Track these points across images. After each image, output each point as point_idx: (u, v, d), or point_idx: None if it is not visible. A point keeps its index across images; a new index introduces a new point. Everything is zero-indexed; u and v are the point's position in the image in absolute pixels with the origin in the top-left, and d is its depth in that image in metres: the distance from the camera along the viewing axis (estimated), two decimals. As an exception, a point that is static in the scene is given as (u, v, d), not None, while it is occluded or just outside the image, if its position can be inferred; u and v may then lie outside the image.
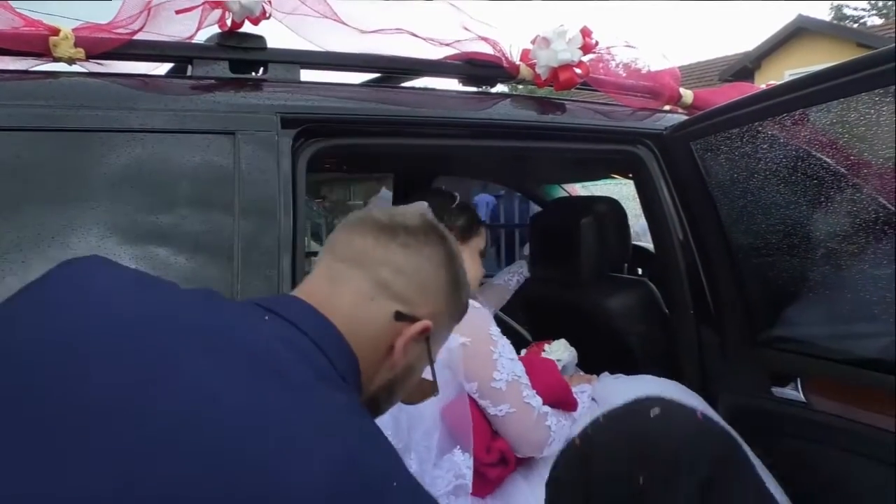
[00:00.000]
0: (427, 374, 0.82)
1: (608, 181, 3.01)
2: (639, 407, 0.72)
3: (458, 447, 1.28)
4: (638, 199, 1.74)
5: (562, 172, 2.63)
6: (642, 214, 1.72)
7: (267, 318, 0.68)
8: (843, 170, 1.19)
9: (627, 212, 2.04)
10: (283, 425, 0.54)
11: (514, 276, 2.11)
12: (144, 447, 0.52)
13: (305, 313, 0.70)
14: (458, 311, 0.83)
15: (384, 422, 1.08)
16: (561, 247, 1.95)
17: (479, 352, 1.33)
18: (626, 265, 2.32)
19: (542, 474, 1.33)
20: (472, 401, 1.35)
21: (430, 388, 0.83)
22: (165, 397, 0.55)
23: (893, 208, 1.11)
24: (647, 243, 2.24)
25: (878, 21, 18.46)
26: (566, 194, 2.82)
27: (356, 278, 0.74)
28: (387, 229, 0.76)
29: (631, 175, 1.82)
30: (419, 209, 0.82)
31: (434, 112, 1.40)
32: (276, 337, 0.65)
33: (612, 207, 2.01)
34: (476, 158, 1.70)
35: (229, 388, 0.56)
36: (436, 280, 0.77)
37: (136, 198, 1.04)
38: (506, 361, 1.34)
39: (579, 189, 3.17)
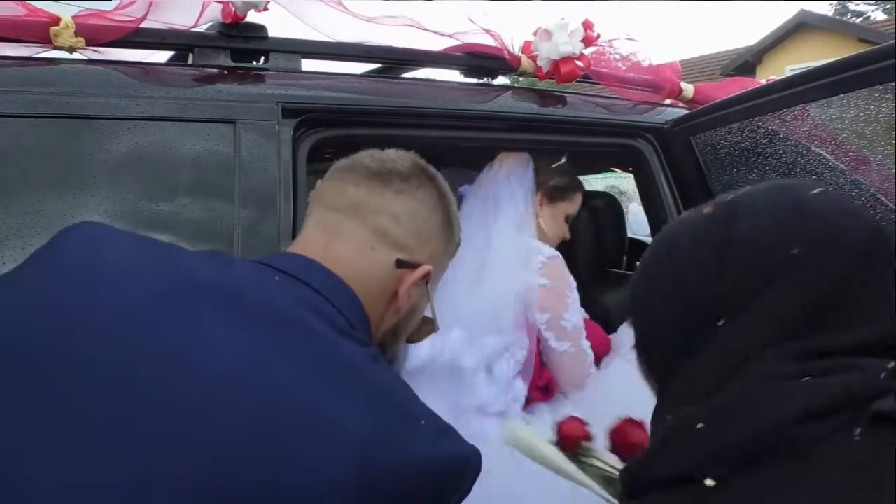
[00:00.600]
0: (428, 311, 0.83)
1: (608, 175, 3.02)
2: (798, 182, 0.66)
3: (520, 376, 1.46)
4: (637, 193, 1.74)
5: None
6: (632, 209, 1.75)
7: (277, 278, 0.68)
8: (842, 165, 1.19)
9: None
10: (317, 389, 0.56)
11: None
12: (167, 428, 0.52)
13: (311, 269, 0.70)
14: (452, 248, 0.84)
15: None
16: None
17: (558, 292, 1.49)
18: (624, 259, 2.33)
19: (565, 404, 1.50)
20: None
21: (432, 326, 0.85)
22: (191, 374, 0.55)
23: (891, 205, 1.11)
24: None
25: (881, 17, 18.38)
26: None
27: (354, 228, 0.74)
28: (379, 176, 0.76)
29: (631, 169, 1.83)
30: (406, 153, 0.82)
31: (435, 103, 1.40)
32: (291, 295, 0.65)
33: (609, 202, 2.01)
34: (477, 150, 1.70)
35: (259, 359, 0.57)
36: (431, 222, 0.78)
37: (136, 185, 1.04)
38: (575, 308, 1.51)
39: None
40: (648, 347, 0.68)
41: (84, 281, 0.61)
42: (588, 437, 1.05)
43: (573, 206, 1.68)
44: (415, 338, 0.86)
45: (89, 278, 0.61)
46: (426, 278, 0.77)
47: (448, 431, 0.62)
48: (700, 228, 0.64)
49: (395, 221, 0.74)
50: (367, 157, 0.79)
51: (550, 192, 1.62)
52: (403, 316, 0.78)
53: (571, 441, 1.04)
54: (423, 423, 0.60)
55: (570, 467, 0.99)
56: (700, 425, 0.53)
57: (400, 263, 0.74)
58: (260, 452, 0.51)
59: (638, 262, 0.71)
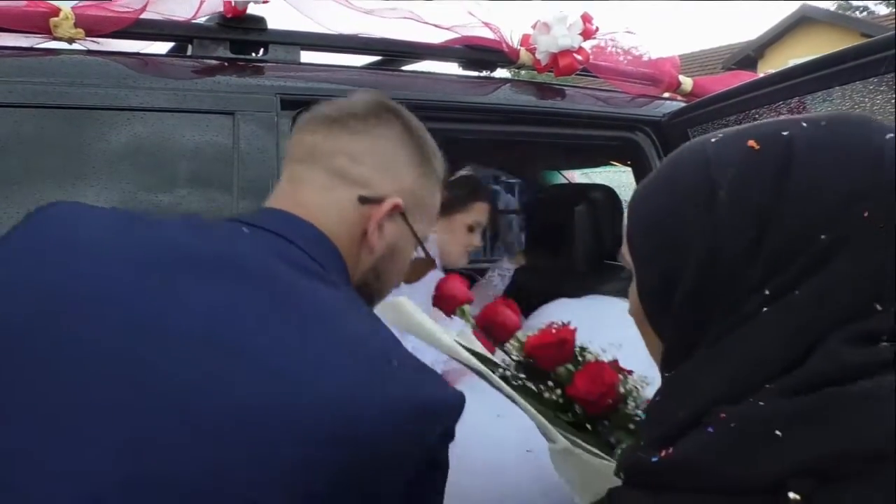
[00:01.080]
0: (420, 251, 0.82)
1: (607, 168, 3.01)
2: (865, 120, 0.51)
3: None
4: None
5: (559, 159, 2.63)
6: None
7: (246, 230, 0.68)
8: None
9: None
10: (291, 338, 0.57)
11: (497, 275, 2.12)
12: (162, 400, 0.52)
13: (281, 219, 0.71)
14: (432, 182, 0.82)
15: None
16: (555, 234, 1.96)
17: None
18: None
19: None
20: None
21: (428, 264, 0.85)
22: (176, 343, 0.55)
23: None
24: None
25: (884, 11, 18.30)
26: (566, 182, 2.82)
27: (313, 173, 0.74)
28: (336, 121, 0.76)
29: (629, 162, 1.83)
30: (370, 93, 0.81)
31: (433, 96, 1.40)
32: (264, 247, 0.66)
33: (607, 194, 2.02)
34: (475, 143, 1.71)
35: (242, 322, 0.57)
36: (396, 157, 0.77)
37: (135, 176, 1.05)
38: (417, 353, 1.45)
39: (579, 177, 3.17)
40: (660, 289, 0.54)
41: (61, 259, 0.60)
42: (469, 300, 1.01)
43: (473, 215, 1.69)
44: (412, 278, 0.85)
45: (66, 256, 0.61)
46: (397, 211, 0.76)
47: (425, 372, 0.62)
48: (743, 165, 0.50)
49: (352, 160, 0.74)
50: (326, 105, 0.79)
51: (445, 206, 1.63)
52: (382, 256, 0.76)
53: (451, 301, 0.99)
54: (395, 363, 0.59)
55: (446, 339, 0.95)
56: (778, 433, 0.43)
57: (362, 199, 0.74)
58: (245, 408, 0.52)
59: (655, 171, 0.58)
